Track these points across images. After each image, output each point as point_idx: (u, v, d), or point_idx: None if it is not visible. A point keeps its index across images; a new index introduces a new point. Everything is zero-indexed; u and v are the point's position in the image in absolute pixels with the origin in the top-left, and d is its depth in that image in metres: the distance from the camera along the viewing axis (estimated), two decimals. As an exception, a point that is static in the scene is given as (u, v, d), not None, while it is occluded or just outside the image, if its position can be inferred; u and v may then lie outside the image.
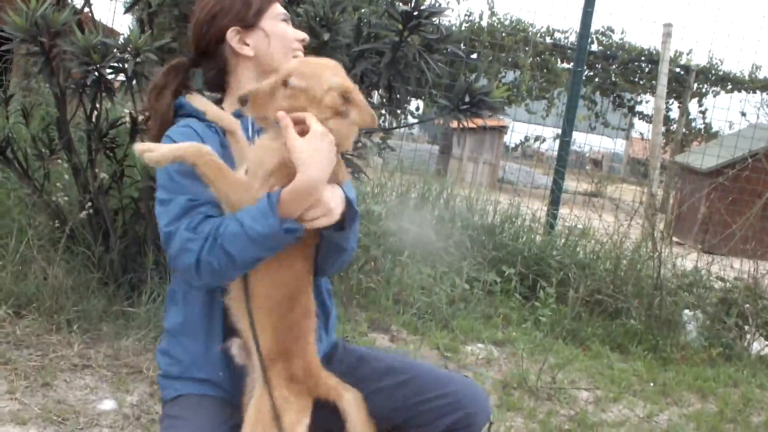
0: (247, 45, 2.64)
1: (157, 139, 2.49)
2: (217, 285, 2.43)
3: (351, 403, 2.44)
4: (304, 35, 2.75)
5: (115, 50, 3.89)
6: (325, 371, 2.48)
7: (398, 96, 4.77)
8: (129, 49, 3.89)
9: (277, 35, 2.66)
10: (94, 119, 4.51)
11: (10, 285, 4.41)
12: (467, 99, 4.46)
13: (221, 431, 2.46)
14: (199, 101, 2.55)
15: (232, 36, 2.62)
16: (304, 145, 2.23)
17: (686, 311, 6.09)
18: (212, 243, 2.28)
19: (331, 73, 2.36)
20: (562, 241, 6.75)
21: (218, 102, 2.65)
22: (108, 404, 3.72)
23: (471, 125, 4.80)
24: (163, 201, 2.41)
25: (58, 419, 3.53)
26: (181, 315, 2.58)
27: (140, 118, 4.59)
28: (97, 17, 4.77)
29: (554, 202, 7.30)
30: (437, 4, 4.38)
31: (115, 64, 3.96)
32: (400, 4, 4.33)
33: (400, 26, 4.26)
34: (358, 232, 2.63)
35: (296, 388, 2.39)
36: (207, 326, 2.53)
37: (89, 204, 4.48)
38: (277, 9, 2.71)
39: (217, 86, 2.73)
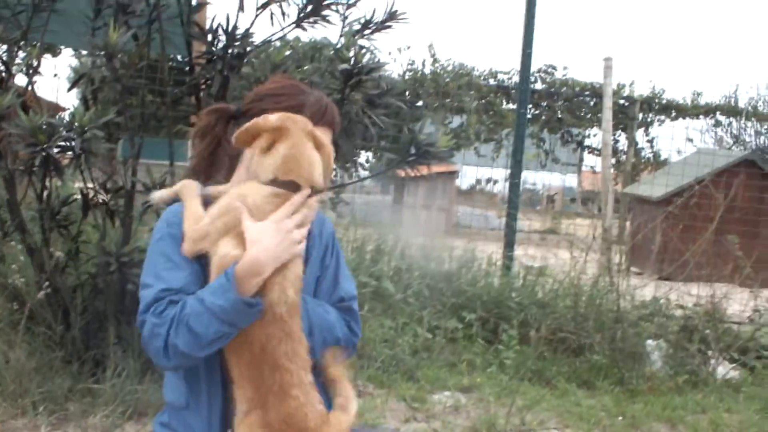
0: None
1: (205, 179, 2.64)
2: (186, 365, 2.50)
3: None
4: None
5: (61, 129, 3.93)
6: (339, 425, 2.47)
7: (345, 151, 4.86)
8: (75, 127, 3.94)
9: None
10: (44, 198, 4.55)
11: (-29, 371, 4.42)
12: (413, 150, 4.57)
13: None
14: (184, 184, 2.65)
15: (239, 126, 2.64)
16: (255, 227, 2.39)
17: (649, 341, 6.17)
18: (177, 324, 2.37)
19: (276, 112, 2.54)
20: (520, 281, 6.83)
21: None
22: (81, 487, 3.74)
23: (421, 172, 4.89)
24: (142, 286, 2.53)
25: (32, 504, 3.55)
26: (183, 388, 2.62)
27: (90, 194, 4.65)
28: (41, 94, 4.81)
29: (509, 244, 7.37)
30: (377, 60, 4.49)
31: (62, 143, 3.99)
32: (340, 62, 4.43)
33: (342, 85, 4.37)
34: (330, 326, 2.69)
35: None
36: (208, 397, 2.58)
37: (46, 283, 4.49)
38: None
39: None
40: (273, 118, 2.50)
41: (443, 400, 5.20)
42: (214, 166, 2.76)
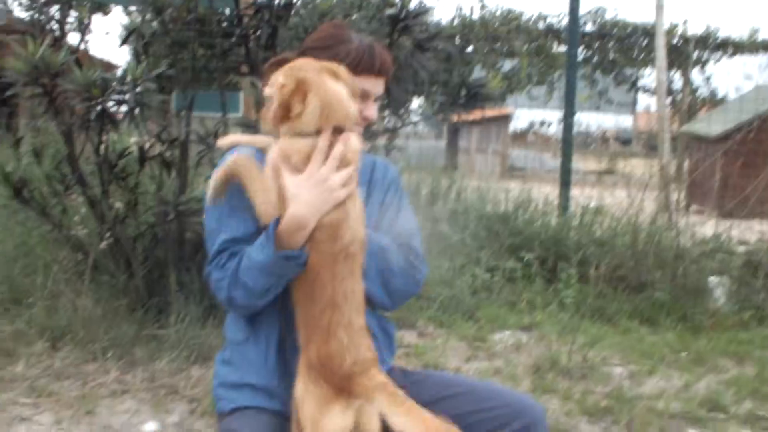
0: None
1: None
2: (251, 312, 2.62)
3: (382, 403, 2.41)
4: (367, 113, 2.77)
5: (114, 83, 3.97)
6: (374, 376, 2.44)
7: (396, 97, 4.86)
8: (128, 80, 3.97)
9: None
10: (102, 152, 4.60)
11: (43, 319, 4.51)
12: (463, 93, 4.56)
13: None
14: (230, 139, 2.70)
15: None
16: (293, 183, 2.42)
17: (712, 278, 6.12)
18: (234, 278, 2.49)
19: (280, 74, 2.51)
20: (578, 221, 6.80)
21: None
22: (151, 426, 3.81)
23: (474, 117, 4.90)
24: (207, 233, 2.65)
25: (106, 445, 3.65)
26: (243, 324, 2.71)
27: (146, 146, 4.70)
28: (93, 53, 4.86)
29: (565, 184, 7.32)
30: (423, 5, 4.47)
31: (117, 97, 4.03)
32: (387, 8, 4.41)
33: (390, 30, 4.35)
34: (410, 262, 2.70)
35: (314, 374, 2.43)
36: (265, 334, 2.66)
37: (108, 234, 4.58)
38: (362, 82, 2.73)
39: None
40: (281, 80, 2.50)
41: (504, 339, 5.21)
42: None
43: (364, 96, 2.74)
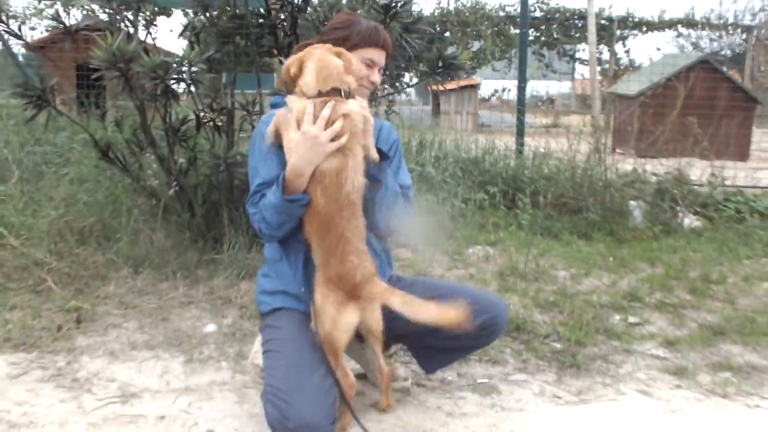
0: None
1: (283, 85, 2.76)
2: (277, 239, 2.72)
3: (396, 302, 2.54)
4: (373, 79, 2.80)
5: (174, 65, 3.95)
6: (377, 284, 2.58)
7: (389, 71, 4.79)
8: (185, 63, 3.94)
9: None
10: (168, 120, 4.54)
11: (127, 251, 4.50)
12: (440, 64, 4.50)
13: (308, 336, 2.61)
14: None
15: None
16: (291, 138, 2.48)
17: (631, 202, 6.09)
18: (261, 214, 2.60)
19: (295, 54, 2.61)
20: (530, 162, 6.73)
21: None
22: (211, 327, 3.81)
23: (451, 86, 4.84)
24: (250, 178, 2.75)
25: (177, 342, 3.63)
26: (276, 247, 2.80)
27: (201, 115, 4.64)
28: (158, 45, 4.79)
29: (520, 134, 7.28)
30: (409, -5, 4.40)
31: (176, 76, 4.01)
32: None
33: (383, 16, 4.28)
34: (396, 195, 2.75)
35: (332, 287, 2.54)
36: (294, 255, 2.74)
37: (174, 183, 4.53)
38: (368, 54, 2.77)
39: None
40: (291, 58, 2.59)
41: (476, 252, 5.19)
42: None
43: (371, 65, 2.82)
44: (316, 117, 2.46)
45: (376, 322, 2.67)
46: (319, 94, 2.50)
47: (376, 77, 2.82)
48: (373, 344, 2.79)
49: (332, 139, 2.45)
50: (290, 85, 2.60)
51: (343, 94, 2.52)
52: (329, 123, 2.45)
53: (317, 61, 2.52)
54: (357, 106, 2.55)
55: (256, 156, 2.73)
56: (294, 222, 2.61)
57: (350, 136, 2.49)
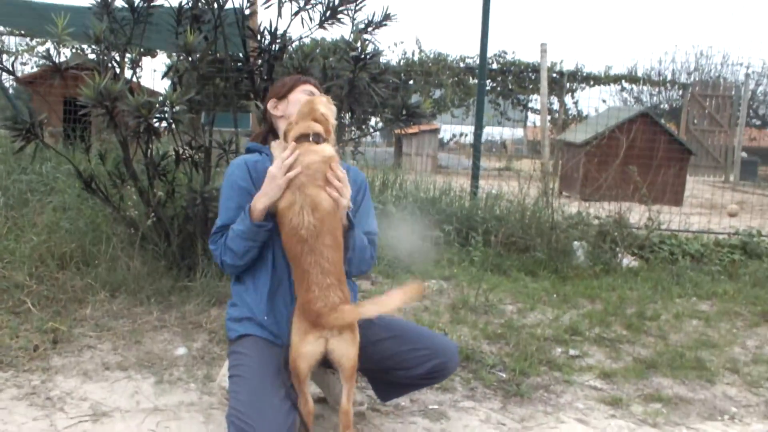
0: (278, 108, 2.94)
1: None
2: (239, 271, 2.77)
3: (370, 310, 2.48)
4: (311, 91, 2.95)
5: (157, 105, 3.94)
6: (343, 311, 2.47)
7: (357, 116, 4.84)
8: (167, 103, 3.93)
9: (296, 101, 2.85)
10: (149, 155, 4.53)
11: (105, 276, 4.43)
12: (404, 112, 4.55)
13: (271, 362, 2.62)
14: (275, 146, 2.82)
15: (271, 104, 2.96)
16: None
17: (575, 242, 6.17)
18: (223, 247, 2.71)
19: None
20: (483, 203, 6.80)
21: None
22: (181, 350, 3.77)
23: (413, 131, 4.89)
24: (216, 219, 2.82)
25: (149, 364, 3.59)
26: (243, 278, 2.82)
27: (180, 151, 4.64)
28: (143, 83, 4.78)
29: (475, 177, 7.35)
30: (377, 49, 4.45)
31: (159, 115, 4.01)
32: (351, 51, 4.39)
33: (352, 67, 4.33)
34: (364, 248, 2.81)
35: (301, 316, 2.53)
36: (260, 285, 2.76)
37: (152, 214, 4.50)
38: (307, 88, 2.95)
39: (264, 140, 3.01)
40: (293, 117, 2.75)
41: (432, 285, 5.21)
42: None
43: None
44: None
45: (343, 354, 2.54)
46: (295, 140, 2.64)
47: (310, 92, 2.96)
48: (341, 377, 2.61)
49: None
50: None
51: (311, 138, 2.62)
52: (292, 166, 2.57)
53: (298, 127, 2.67)
54: (326, 149, 2.61)
55: (223, 193, 2.83)
56: (256, 250, 2.67)
57: (307, 178, 2.56)
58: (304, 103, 2.75)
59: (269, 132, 2.99)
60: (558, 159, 11.37)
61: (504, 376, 3.78)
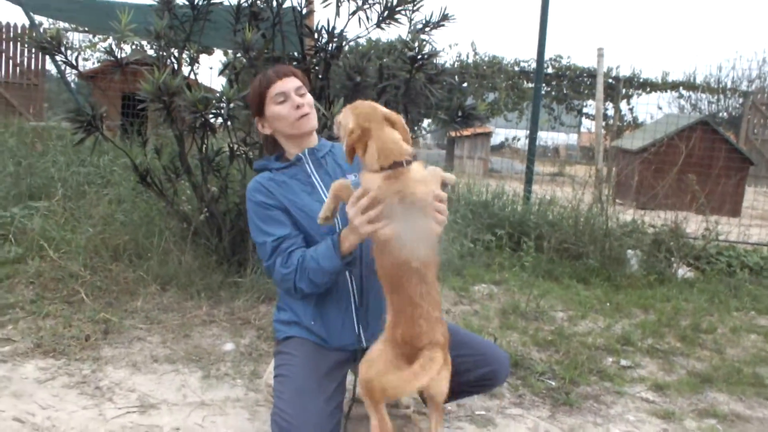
0: (264, 127, 2.76)
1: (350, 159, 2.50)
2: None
3: (439, 378, 2.36)
4: (299, 102, 2.67)
5: (213, 101, 3.97)
6: (436, 355, 2.34)
7: (412, 117, 4.80)
8: (223, 99, 3.96)
9: (274, 117, 2.68)
10: (204, 151, 4.56)
11: (156, 269, 4.48)
12: (460, 114, 4.48)
13: (317, 364, 2.59)
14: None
15: (257, 123, 2.79)
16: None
17: (629, 251, 6.04)
18: (301, 273, 2.52)
19: (349, 118, 2.43)
20: (536, 208, 6.68)
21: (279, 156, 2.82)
22: (229, 346, 3.78)
23: (466, 133, 4.83)
24: (258, 244, 2.66)
25: (197, 358, 3.60)
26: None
27: (235, 147, 4.66)
28: (199, 80, 4.82)
29: (528, 181, 7.26)
30: (434, 49, 4.39)
31: (215, 111, 4.03)
32: (408, 51, 4.34)
33: (409, 67, 4.28)
34: None
35: (394, 345, 2.37)
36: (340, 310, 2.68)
37: (205, 210, 4.53)
38: (274, 91, 2.68)
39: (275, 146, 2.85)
40: (350, 126, 2.40)
41: (481, 290, 5.14)
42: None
43: (284, 98, 2.66)
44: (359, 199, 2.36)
45: (438, 392, 2.43)
46: (381, 168, 2.35)
47: (302, 100, 2.69)
48: (430, 406, 2.55)
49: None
50: (350, 158, 2.42)
51: (405, 164, 2.34)
52: (368, 207, 2.33)
53: (377, 141, 2.36)
54: (426, 173, 2.40)
55: (256, 219, 2.66)
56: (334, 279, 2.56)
57: (416, 209, 2.32)
58: (362, 111, 2.43)
59: (274, 143, 2.82)
60: (612, 165, 11.18)
61: (553, 384, 3.69)
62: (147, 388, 3.26)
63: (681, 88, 18.41)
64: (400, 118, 2.46)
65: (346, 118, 2.45)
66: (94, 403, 3.08)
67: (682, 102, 21.20)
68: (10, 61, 11.23)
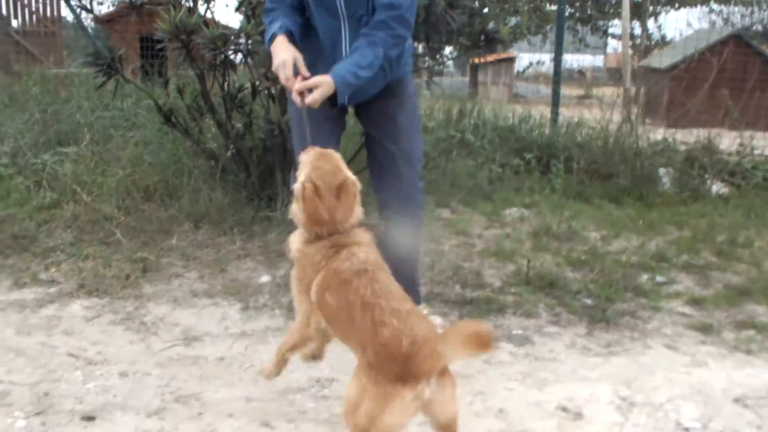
0: None
1: None
2: None
3: (440, 384, 1.90)
4: None
5: (232, 37, 3.96)
6: (434, 356, 1.85)
7: (434, 45, 4.75)
8: (242, 35, 3.97)
9: None
10: (226, 88, 4.57)
11: (188, 207, 4.56)
12: (483, 38, 4.44)
13: None
14: None
15: None
16: None
17: (661, 169, 6.01)
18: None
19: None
20: (564, 130, 6.63)
21: None
22: (265, 278, 3.87)
23: (489, 59, 4.80)
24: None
25: (235, 291, 3.70)
26: None
27: (257, 83, 4.66)
28: (216, 18, 4.80)
29: (555, 103, 7.17)
30: (454, -26, 4.32)
31: (234, 48, 4.06)
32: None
33: (428, -9, 4.23)
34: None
35: (373, 374, 1.88)
36: None
37: (232, 146, 4.56)
38: None
39: None
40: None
41: (512, 213, 5.15)
42: None
43: None
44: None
45: (444, 409, 1.95)
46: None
47: None
48: None
49: None
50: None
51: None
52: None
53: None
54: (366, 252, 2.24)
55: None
56: None
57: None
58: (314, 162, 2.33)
59: None
60: (641, 85, 11.00)
61: (589, 302, 3.74)
62: (189, 321, 3.36)
63: (711, 1, 17.88)
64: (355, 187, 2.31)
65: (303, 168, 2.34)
66: (140, 338, 3.19)
67: (713, 17, 20.64)
68: (27, 10, 11.22)
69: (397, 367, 1.84)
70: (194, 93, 4.79)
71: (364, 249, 2.22)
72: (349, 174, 2.33)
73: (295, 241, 2.39)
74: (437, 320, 3.37)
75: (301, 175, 2.33)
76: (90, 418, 2.56)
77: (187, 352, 3.08)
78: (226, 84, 4.58)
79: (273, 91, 4.68)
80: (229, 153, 4.57)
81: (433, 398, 1.88)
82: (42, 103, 6.18)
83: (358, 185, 2.34)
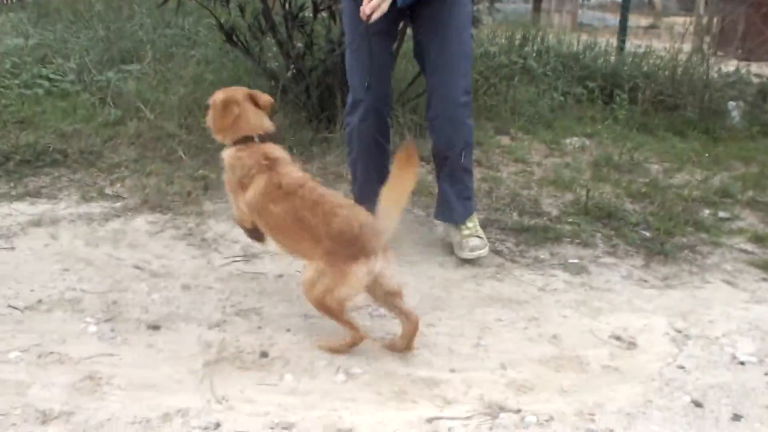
0: None
1: None
2: None
3: (385, 259, 2.34)
4: None
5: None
6: (382, 230, 2.31)
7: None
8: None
9: None
10: (287, 6, 4.54)
11: (248, 127, 4.58)
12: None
13: None
14: None
15: None
16: None
17: (731, 102, 5.81)
18: None
19: None
20: (630, 59, 6.39)
21: None
22: (324, 198, 3.90)
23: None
24: None
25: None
26: None
27: (318, 1, 4.61)
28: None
29: (622, 31, 6.91)
30: None
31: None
32: None
33: None
34: None
35: (330, 259, 2.31)
36: None
37: (292, 66, 4.55)
38: None
39: None
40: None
41: (573, 142, 5.04)
42: None
43: None
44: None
45: (392, 276, 2.39)
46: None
47: None
48: (395, 302, 2.47)
49: None
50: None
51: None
52: None
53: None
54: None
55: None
56: None
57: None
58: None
59: None
60: (713, 14, 10.53)
61: (647, 234, 3.70)
62: (248, 239, 3.43)
63: None
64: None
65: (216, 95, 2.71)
66: (202, 253, 3.29)
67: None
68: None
69: (352, 248, 2.25)
70: (255, 11, 4.76)
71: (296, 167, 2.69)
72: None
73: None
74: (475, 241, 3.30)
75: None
76: (155, 327, 2.67)
77: (247, 268, 3.17)
78: (287, 2, 4.54)
79: (334, 9, 4.64)
80: (289, 73, 4.55)
81: (382, 271, 2.29)
82: (105, 21, 6.23)
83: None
